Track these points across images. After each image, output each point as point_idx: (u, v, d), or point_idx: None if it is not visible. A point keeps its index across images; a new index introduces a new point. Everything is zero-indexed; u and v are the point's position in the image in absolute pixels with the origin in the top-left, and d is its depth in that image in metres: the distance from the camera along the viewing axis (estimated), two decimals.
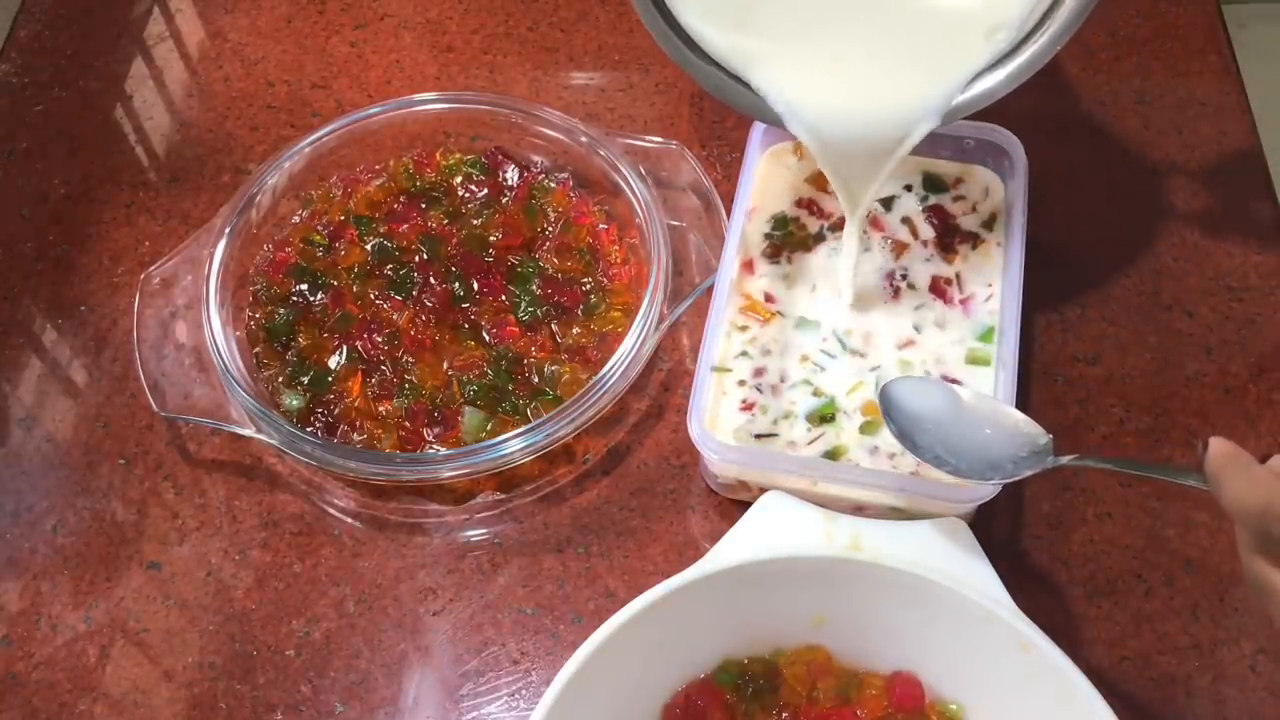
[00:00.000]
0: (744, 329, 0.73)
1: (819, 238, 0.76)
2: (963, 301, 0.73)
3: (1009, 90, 0.68)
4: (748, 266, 0.75)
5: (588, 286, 0.79)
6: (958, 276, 0.74)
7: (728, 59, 0.70)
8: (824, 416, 0.70)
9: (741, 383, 0.71)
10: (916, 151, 0.77)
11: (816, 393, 0.71)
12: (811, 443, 0.69)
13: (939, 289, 0.74)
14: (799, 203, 0.78)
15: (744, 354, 0.72)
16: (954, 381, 0.70)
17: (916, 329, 0.73)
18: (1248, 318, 0.77)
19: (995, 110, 0.77)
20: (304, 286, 0.79)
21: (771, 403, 0.70)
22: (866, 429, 0.69)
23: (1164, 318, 0.78)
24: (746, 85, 0.70)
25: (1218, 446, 0.51)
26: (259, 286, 0.80)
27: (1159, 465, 0.54)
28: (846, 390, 0.71)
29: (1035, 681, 0.58)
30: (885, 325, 0.73)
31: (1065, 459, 0.60)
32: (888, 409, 0.62)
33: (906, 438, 0.61)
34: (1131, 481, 0.72)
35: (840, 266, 0.73)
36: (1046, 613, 0.68)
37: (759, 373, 0.71)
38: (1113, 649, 0.67)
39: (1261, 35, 1.71)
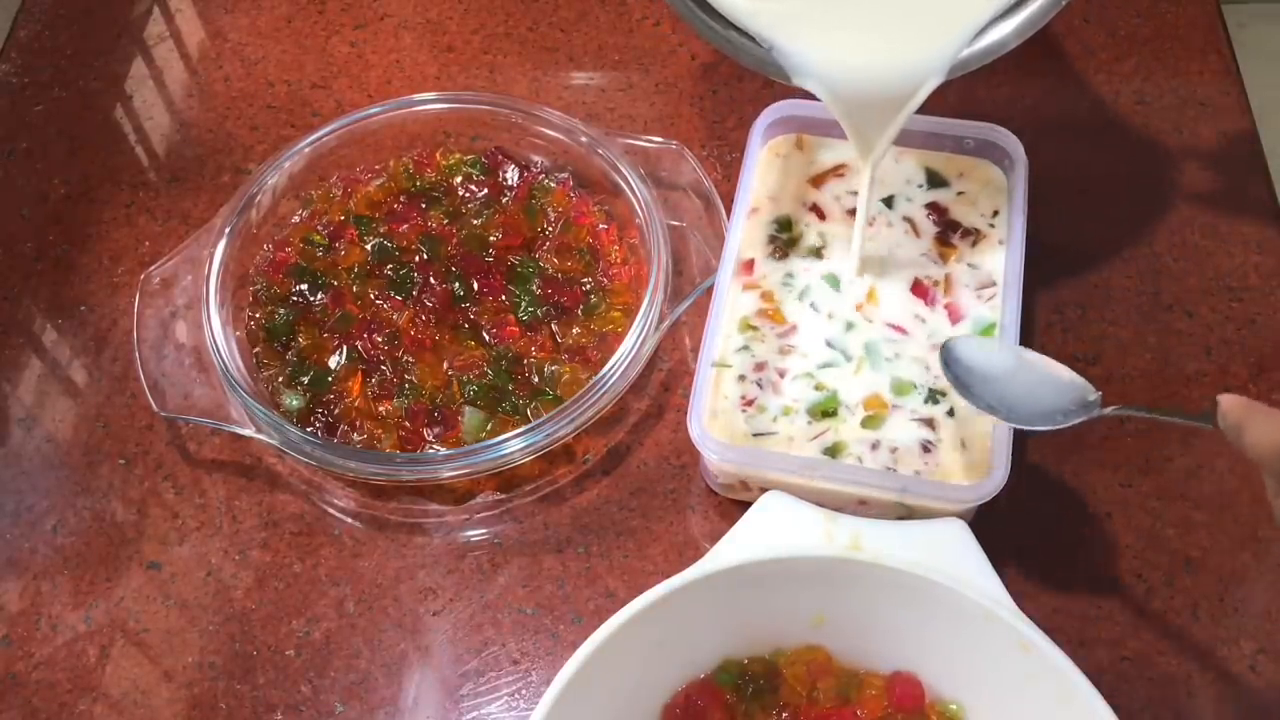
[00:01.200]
0: (754, 329, 0.73)
1: (823, 251, 0.76)
2: (947, 306, 0.73)
3: (1018, 43, 0.68)
4: (747, 267, 0.75)
5: (588, 286, 0.79)
6: (946, 278, 0.74)
7: (737, 16, 0.70)
8: (826, 411, 0.70)
9: (742, 378, 0.71)
10: (918, 146, 0.78)
11: (818, 387, 0.71)
12: (813, 439, 0.69)
13: (921, 289, 0.74)
14: (804, 205, 0.78)
15: (745, 348, 0.72)
16: None
17: (920, 320, 0.73)
18: (1248, 318, 0.77)
19: (995, 110, 0.77)
20: (304, 286, 0.79)
21: (772, 399, 0.70)
22: (868, 423, 0.69)
23: (1164, 318, 0.78)
24: (754, 41, 0.70)
25: (1228, 401, 0.53)
26: (259, 286, 0.80)
27: (1199, 414, 0.57)
28: (849, 378, 0.71)
29: (1035, 681, 0.58)
30: (887, 321, 0.73)
31: (1109, 410, 0.62)
32: (948, 361, 0.66)
33: (963, 387, 0.65)
34: (1132, 481, 0.72)
35: (856, 217, 0.73)
36: (1046, 613, 0.68)
37: (760, 367, 0.71)
38: (1113, 649, 0.67)
39: (1261, 35, 1.71)
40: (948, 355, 0.66)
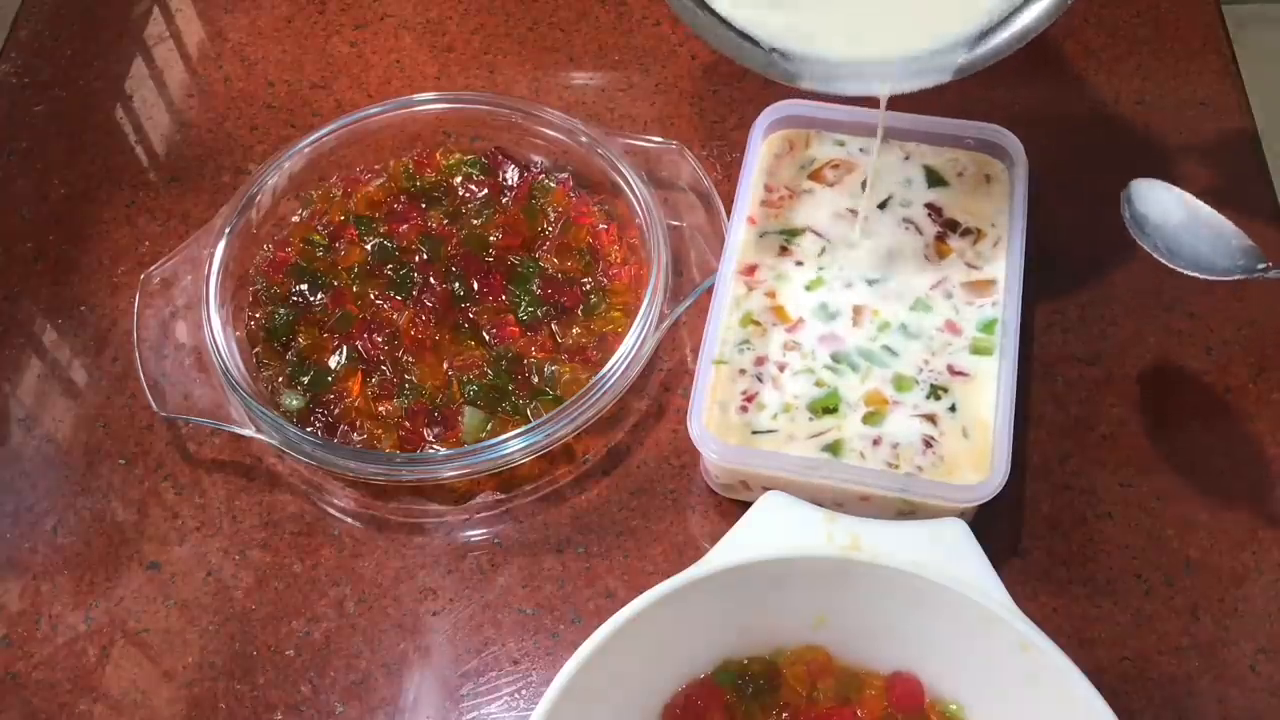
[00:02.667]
0: (757, 323, 0.73)
1: (823, 249, 0.76)
2: (947, 305, 0.73)
3: (1019, 46, 0.68)
4: (749, 269, 0.75)
5: (588, 286, 0.79)
6: (946, 277, 0.74)
7: (739, 19, 0.70)
8: (826, 408, 0.70)
9: (742, 372, 0.71)
10: (919, 145, 0.78)
11: (819, 384, 0.71)
12: (813, 436, 0.69)
13: (921, 287, 0.74)
14: (804, 203, 0.77)
15: (745, 343, 0.72)
16: (959, 374, 0.70)
17: (920, 317, 0.73)
18: (1248, 318, 0.77)
19: (995, 110, 0.77)
20: (304, 286, 0.79)
21: (772, 395, 0.70)
22: (869, 419, 0.69)
23: (1164, 318, 0.78)
24: (755, 44, 0.70)
25: None
26: (259, 286, 0.80)
27: None
28: (850, 374, 0.71)
29: (1035, 681, 0.58)
30: (888, 318, 0.73)
31: (1272, 273, 0.67)
32: (1127, 198, 0.70)
33: (1136, 228, 0.69)
34: (1132, 481, 0.72)
35: (859, 213, 0.74)
36: (1046, 613, 0.68)
37: (760, 361, 0.71)
38: (1113, 649, 0.67)
39: (1261, 35, 1.71)
40: (1127, 195, 0.70)
